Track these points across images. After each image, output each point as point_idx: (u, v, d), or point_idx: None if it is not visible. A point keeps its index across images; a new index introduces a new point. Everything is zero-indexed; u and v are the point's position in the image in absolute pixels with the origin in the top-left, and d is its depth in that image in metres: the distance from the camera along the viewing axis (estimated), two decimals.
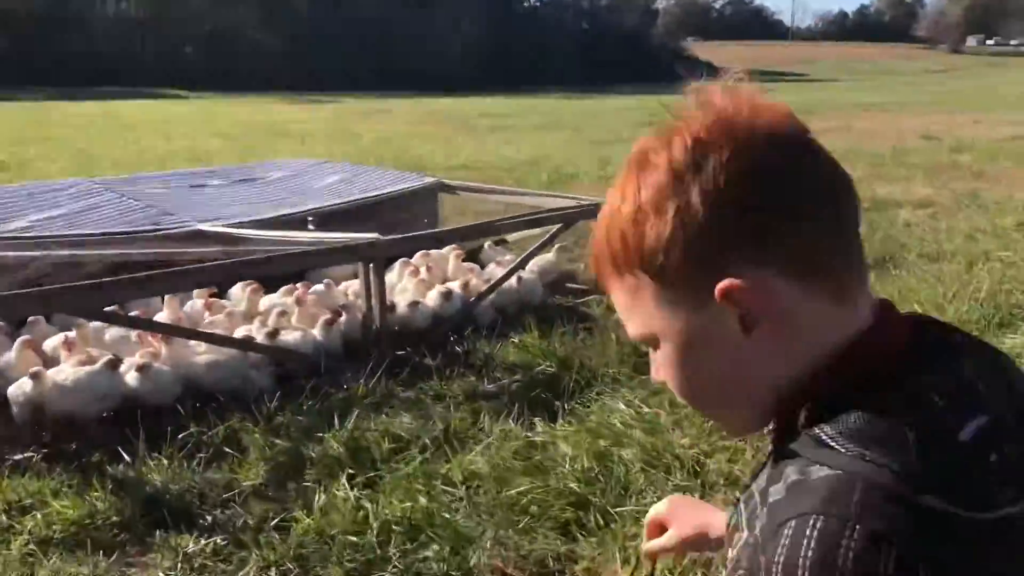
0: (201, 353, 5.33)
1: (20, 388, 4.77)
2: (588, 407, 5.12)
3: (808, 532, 0.78)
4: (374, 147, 19.51)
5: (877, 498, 0.78)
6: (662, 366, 0.99)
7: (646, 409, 4.94)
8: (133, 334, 5.38)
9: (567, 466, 4.21)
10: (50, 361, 5.28)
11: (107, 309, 4.88)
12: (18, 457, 4.45)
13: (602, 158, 16.71)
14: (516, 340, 6.13)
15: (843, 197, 0.93)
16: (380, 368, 5.58)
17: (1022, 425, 0.85)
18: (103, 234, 6.55)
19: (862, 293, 0.93)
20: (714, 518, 1.37)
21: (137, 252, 6.04)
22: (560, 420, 4.92)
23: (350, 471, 4.28)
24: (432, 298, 6.41)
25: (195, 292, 6.25)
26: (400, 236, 5.94)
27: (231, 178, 8.79)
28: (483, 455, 4.41)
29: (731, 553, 0.95)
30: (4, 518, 3.95)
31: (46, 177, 13.95)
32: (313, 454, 4.50)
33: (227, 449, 4.58)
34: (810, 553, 0.77)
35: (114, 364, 4.83)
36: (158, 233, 6.69)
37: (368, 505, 3.96)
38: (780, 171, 0.90)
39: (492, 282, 6.68)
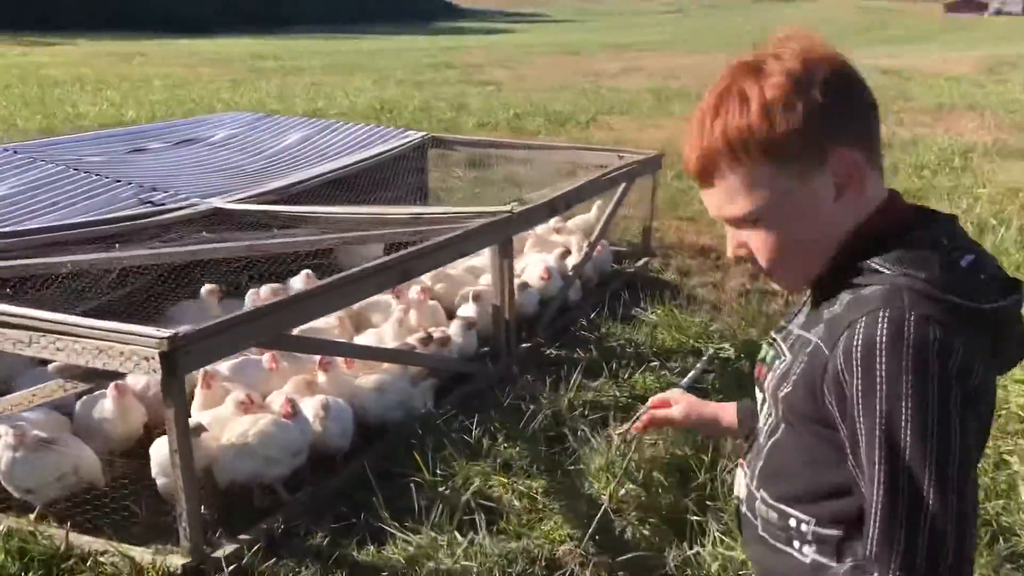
0: (356, 376, 4.12)
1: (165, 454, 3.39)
2: None
3: (880, 319, 1.16)
4: (180, 96, 17.19)
5: (919, 297, 1.18)
6: (754, 240, 1.30)
7: None
8: (265, 359, 4.04)
9: None
10: (148, 403, 3.87)
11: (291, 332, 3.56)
12: (229, 550, 3.15)
13: (460, 104, 15.78)
14: (651, 318, 5.38)
15: (878, 114, 1.30)
16: (545, 368, 4.68)
17: (996, 267, 1.26)
18: (100, 221, 4.94)
19: (881, 173, 1.32)
20: (723, 412, 1.77)
21: (219, 247, 4.56)
22: None
23: (694, 519, 3.41)
24: (533, 278, 5.47)
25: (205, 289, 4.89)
26: (527, 207, 4.91)
27: (168, 139, 7.11)
28: None
29: (769, 378, 1.38)
30: None
31: None
32: (600, 492, 3.58)
33: (485, 502, 3.54)
34: (885, 332, 1.15)
35: (296, 408, 3.56)
36: (169, 217, 5.16)
37: None
38: (859, 85, 1.28)
39: (583, 253, 5.82)
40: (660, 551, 3.24)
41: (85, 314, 3.44)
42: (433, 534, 3.28)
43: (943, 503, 1.14)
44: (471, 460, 3.78)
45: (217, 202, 5.46)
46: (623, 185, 6.21)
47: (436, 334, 4.43)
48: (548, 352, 5.05)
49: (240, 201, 5.53)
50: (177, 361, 2.92)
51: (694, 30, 45.49)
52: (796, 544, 1.35)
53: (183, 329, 2.97)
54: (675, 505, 3.48)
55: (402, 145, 7.08)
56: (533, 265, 5.56)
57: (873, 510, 1.18)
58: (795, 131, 1.22)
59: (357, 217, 5.04)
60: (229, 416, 3.59)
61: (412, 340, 4.34)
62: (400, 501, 3.52)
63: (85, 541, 3.21)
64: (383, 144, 7.09)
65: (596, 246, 5.87)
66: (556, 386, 4.52)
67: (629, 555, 3.19)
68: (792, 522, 1.35)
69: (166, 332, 2.91)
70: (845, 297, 1.24)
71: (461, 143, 7.55)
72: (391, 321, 4.56)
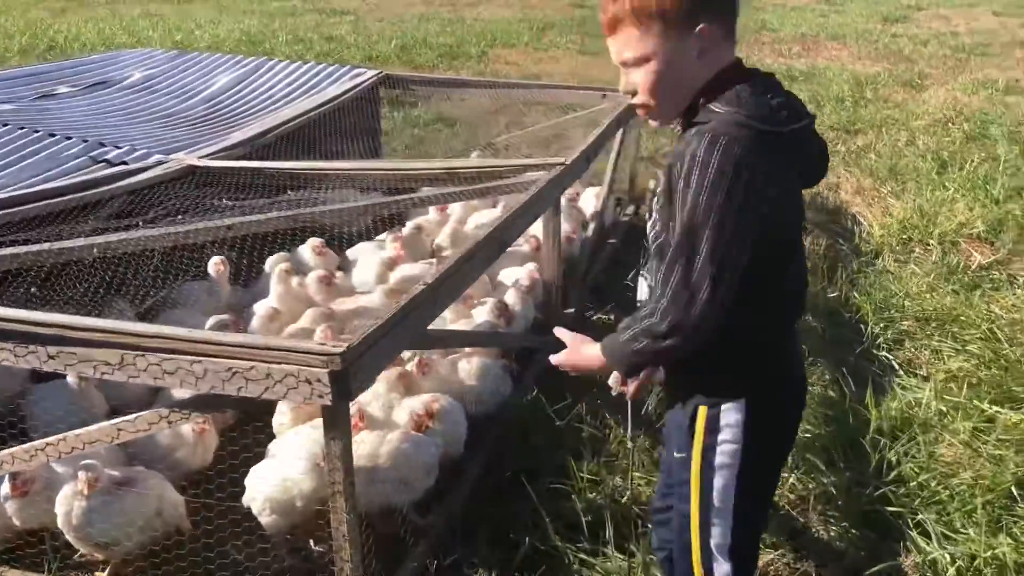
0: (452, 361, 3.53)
1: (292, 484, 2.75)
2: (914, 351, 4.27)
3: (707, 137, 1.68)
4: (3, 27, 15.10)
5: (733, 125, 1.70)
6: (640, 79, 1.81)
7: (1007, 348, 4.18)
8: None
9: None
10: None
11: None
12: None
13: (330, 36, 14.69)
14: None
15: None
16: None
17: (796, 105, 1.83)
18: (69, 188, 4.01)
19: (733, 49, 1.83)
20: None
21: (271, 217, 3.75)
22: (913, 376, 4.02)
23: (888, 509, 3.08)
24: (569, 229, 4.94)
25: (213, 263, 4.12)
26: (575, 157, 4.37)
27: (77, 82, 6.02)
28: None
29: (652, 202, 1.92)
30: None
31: None
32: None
33: (644, 506, 3.09)
34: (704, 143, 1.67)
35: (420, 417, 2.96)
36: (144, 179, 4.28)
37: None
38: None
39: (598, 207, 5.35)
40: (864, 552, 2.91)
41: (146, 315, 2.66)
42: (620, 557, 2.81)
43: (711, 271, 1.67)
44: (601, 456, 3.31)
45: (187, 159, 4.59)
46: (624, 129, 5.73)
47: (510, 307, 3.88)
48: (595, 317, 4.60)
49: (212, 157, 4.69)
50: (351, 381, 2.28)
51: None
52: None
53: (351, 340, 2.32)
54: (851, 493, 3.15)
55: (358, 85, 6.28)
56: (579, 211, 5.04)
57: (669, 270, 1.70)
58: (678, 4, 1.72)
59: (380, 173, 4.35)
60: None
61: (487, 316, 3.77)
62: (549, 512, 3.01)
63: None
64: (337, 85, 6.27)
65: (609, 199, 5.41)
66: None
67: (840, 562, 2.84)
68: None
69: (337, 345, 2.25)
70: (692, 130, 1.74)
71: (416, 81, 6.79)
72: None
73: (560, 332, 2.10)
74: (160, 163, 4.52)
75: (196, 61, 6.67)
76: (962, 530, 2.96)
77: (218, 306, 3.89)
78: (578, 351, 2.00)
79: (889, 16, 18.51)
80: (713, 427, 1.90)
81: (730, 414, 1.89)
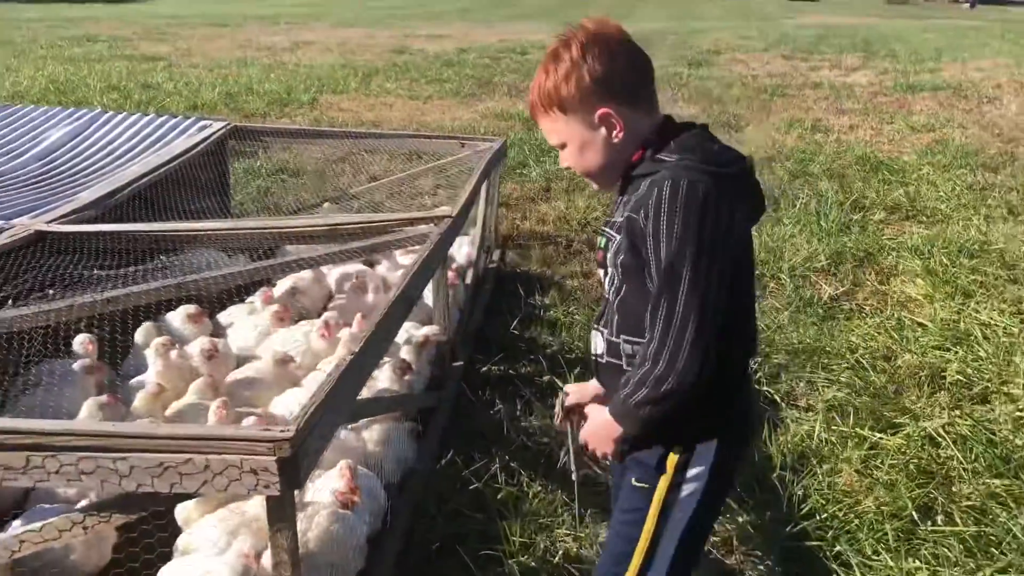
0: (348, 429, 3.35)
1: None
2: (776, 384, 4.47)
3: (667, 183, 1.76)
4: None
5: (689, 170, 1.79)
6: (568, 158, 1.97)
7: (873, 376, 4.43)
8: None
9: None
10: None
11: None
12: None
13: (147, 84, 14.00)
14: (561, 316, 5.06)
15: (648, 69, 1.93)
16: (499, 389, 4.19)
17: (732, 149, 1.92)
18: None
19: (657, 111, 1.94)
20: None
21: (153, 287, 3.43)
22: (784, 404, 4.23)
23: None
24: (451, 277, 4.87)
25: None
26: (461, 208, 4.32)
27: None
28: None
29: (609, 256, 1.94)
30: None
31: None
32: None
33: (576, 565, 3.04)
34: (667, 188, 1.75)
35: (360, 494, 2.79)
36: None
37: None
38: (622, 59, 1.87)
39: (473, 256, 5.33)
40: None
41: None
42: None
43: (696, 304, 1.75)
44: (526, 517, 3.24)
45: (33, 224, 4.20)
46: (489, 178, 5.73)
47: (410, 363, 3.76)
48: (483, 369, 4.53)
49: (61, 221, 4.31)
50: (300, 466, 2.11)
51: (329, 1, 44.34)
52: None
53: (293, 421, 2.15)
54: (769, 531, 3.23)
55: (207, 139, 5.97)
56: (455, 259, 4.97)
57: (654, 314, 1.78)
58: (573, 96, 1.87)
59: (257, 231, 4.13)
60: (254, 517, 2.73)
61: (390, 375, 3.63)
62: None
63: None
64: (184, 139, 5.93)
65: (486, 247, 5.39)
66: (529, 409, 4.07)
67: None
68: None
69: (284, 430, 2.08)
70: (645, 182, 1.84)
71: (267, 133, 6.53)
72: (339, 353, 3.79)
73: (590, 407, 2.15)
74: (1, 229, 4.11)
75: (19, 114, 6.14)
76: (875, 557, 3.09)
77: (86, 387, 3.54)
78: (595, 420, 2.02)
79: (693, 60, 19.53)
80: (683, 469, 1.96)
81: (701, 458, 1.96)
